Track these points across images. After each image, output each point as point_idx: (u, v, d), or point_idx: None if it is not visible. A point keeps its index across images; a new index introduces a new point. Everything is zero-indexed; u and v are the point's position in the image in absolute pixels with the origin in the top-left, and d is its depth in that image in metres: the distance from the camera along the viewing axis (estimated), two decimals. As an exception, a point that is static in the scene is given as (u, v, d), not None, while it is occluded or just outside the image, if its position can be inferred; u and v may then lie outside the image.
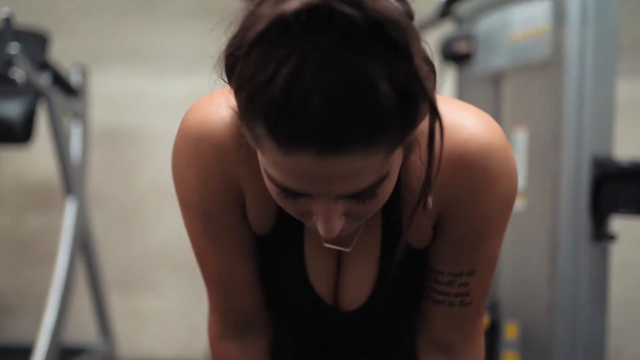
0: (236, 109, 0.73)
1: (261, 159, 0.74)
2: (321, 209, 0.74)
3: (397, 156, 0.74)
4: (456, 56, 2.01)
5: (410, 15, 0.71)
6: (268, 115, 0.66)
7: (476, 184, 0.84)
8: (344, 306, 0.96)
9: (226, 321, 0.98)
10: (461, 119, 0.84)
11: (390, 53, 0.66)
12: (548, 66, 1.68)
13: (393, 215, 0.89)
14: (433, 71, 0.74)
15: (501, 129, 0.86)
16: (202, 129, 0.86)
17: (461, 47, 1.98)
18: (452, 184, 0.84)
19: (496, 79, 1.93)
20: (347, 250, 0.91)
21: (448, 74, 2.15)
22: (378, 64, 0.65)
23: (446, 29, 2.16)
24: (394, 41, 0.66)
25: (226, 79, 0.74)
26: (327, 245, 0.90)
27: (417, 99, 0.69)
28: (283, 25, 0.66)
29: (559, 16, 1.64)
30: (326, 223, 0.74)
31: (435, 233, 0.91)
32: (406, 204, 0.87)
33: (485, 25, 1.94)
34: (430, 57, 0.73)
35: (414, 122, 0.70)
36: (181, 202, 0.92)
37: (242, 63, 0.68)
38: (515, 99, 1.84)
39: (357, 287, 0.94)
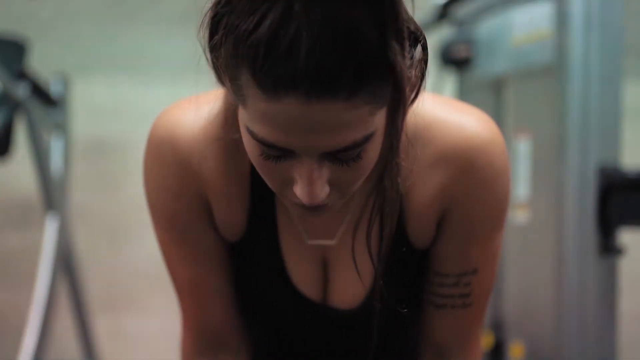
0: (220, 64, 0.74)
1: (243, 117, 0.75)
2: (304, 170, 0.74)
3: (381, 119, 0.75)
4: (456, 61, 2.01)
5: None
6: (254, 59, 0.68)
7: (480, 180, 0.89)
8: (337, 304, 0.96)
9: (200, 338, 0.99)
10: (461, 118, 0.89)
11: (378, 4, 0.68)
12: (551, 71, 1.68)
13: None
14: (417, 39, 0.77)
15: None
16: (164, 134, 0.90)
17: (461, 52, 1.99)
18: (455, 182, 0.89)
19: (497, 85, 1.93)
20: (331, 243, 0.93)
21: (447, 79, 2.15)
22: (366, 11, 0.67)
23: (445, 32, 2.16)
24: None
25: (208, 40, 0.75)
26: (310, 242, 0.92)
27: (402, 51, 0.71)
28: None
29: (561, 19, 1.65)
30: (309, 186, 0.75)
31: (439, 231, 0.94)
32: (405, 200, 0.90)
33: (486, 28, 1.94)
34: (415, 24, 0.76)
35: (398, 78, 0.71)
36: (149, 209, 0.95)
37: (227, 15, 0.71)
38: (518, 105, 1.84)
39: (351, 286, 0.95)
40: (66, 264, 2.41)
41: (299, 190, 0.76)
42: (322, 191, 0.76)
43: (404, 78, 0.72)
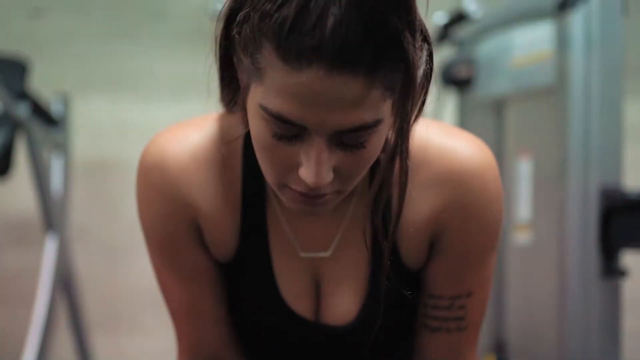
0: (240, 40, 0.78)
1: (256, 97, 0.78)
2: (313, 150, 0.77)
3: (388, 112, 0.78)
4: (456, 81, 2.02)
5: None
6: (280, 31, 0.73)
7: (474, 204, 0.91)
8: (329, 322, 0.96)
9: None
10: (455, 142, 0.92)
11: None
12: (552, 92, 1.69)
13: (383, 233, 0.91)
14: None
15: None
16: (153, 159, 0.92)
17: (461, 72, 1.99)
18: (449, 205, 0.91)
19: (498, 106, 1.93)
20: (325, 254, 0.93)
21: (448, 99, 2.16)
22: (392, 2, 0.73)
23: (445, 52, 2.17)
24: None
25: (227, 18, 0.80)
26: (303, 255, 0.93)
27: (414, 42, 0.76)
28: None
29: (562, 40, 1.65)
30: (317, 166, 0.77)
31: (433, 254, 0.95)
32: (400, 223, 0.90)
33: (486, 49, 1.95)
34: (426, 30, 0.82)
35: (410, 65, 0.76)
36: (142, 233, 0.97)
37: None
38: (519, 126, 1.84)
39: (343, 301, 0.95)
40: (65, 284, 2.40)
41: (305, 171, 0.77)
42: (328, 175, 0.78)
43: (414, 66, 0.76)
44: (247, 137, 0.93)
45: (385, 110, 0.77)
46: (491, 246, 0.95)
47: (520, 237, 1.76)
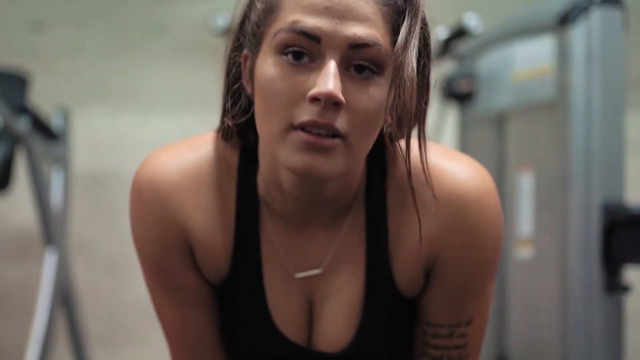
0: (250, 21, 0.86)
1: (267, 45, 0.83)
2: (326, 66, 0.79)
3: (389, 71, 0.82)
4: (457, 95, 2.02)
5: None
6: None
7: (472, 229, 0.89)
8: (321, 347, 0.95)
9: None
10: (453, 165, 0.91)
11: None
12: (553, 106, 1.68)
13: (377, 257, 0.91)
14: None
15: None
16: (145, 180, 0.92)
17: (462, 86, 2.00)
18: (446, 228, 0.89)
19: (499, 120, 1.93)
20: (318, 271, 0.92)
21: (449, 113, 2.16)
22: None
23: (446, 67, 2.17)
24: None
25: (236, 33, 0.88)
26: (298, 275, 0.92)
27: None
28: None
29: (563, 54, 1.65)
30: (330, 76, 0.79)
31: (430, 281, 0.93)
32: (393, 246, 0.91)
33: (487, 63, 1.95)
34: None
35: (415, 15, 0.83)
36: (136, 251, 0.97)
37: None
38: (520, 140, 1.84)
39: (337, 327, 0.94)
40: (65, 298, 2.40)
41: (320, 81, 0.79)
42: (339, 88, 0.79)
43: (418, 13, 0.83)
44: (242, 157, 0.93)
45: (388, 51, 0.81)
46: (490, 272, 0.93)
47: (522, 252, 1.76)
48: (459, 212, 0.88)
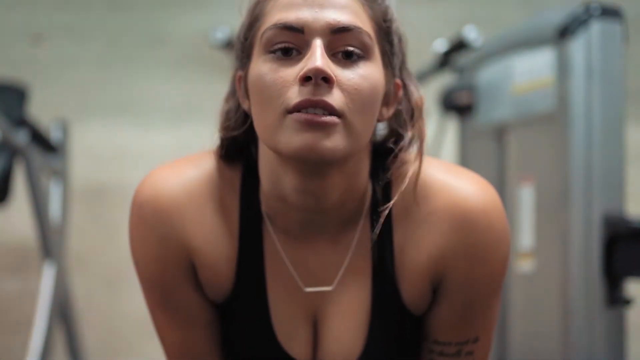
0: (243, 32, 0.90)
1: (258, 51, 0.86)
2: (313, 47, 0.82)
3: (379, 57, 0.87)
4: (457, 108, 2.01)
5: None
6: None
7: (479, 244, 0.88)
8: None
9: None
10: (459, 180, 0.90)
11: None
12: (553, 119, 1.68)
13: (383, 272, 0.90)
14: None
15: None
16: (146, 197, 0.91)
17: (462, 99, 1.99)
18: (452, 244, 0.88)
19: (499, 132, 1.93)
20: (329, 289, 0.91)
21: (449, 125, 2.15)
22: None
23: (446, 79, 2.17)
24: None
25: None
26: (308, 290, 0.91)
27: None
28: None
29: (563, 67, 1.65)
30: (317, 54, 0.81)
31: (437, 298, 0.92)
32: (399, 260, 0.90)
33: (487, 75, 1.95)
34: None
35: (388, 32, 0.89)
36: (136, 270, 0.95)
37: None
38: (520, 153, 1.84)
39: (342, 346, 0.93)
40: (63, 312, 2.39)
41: (308, 61, 0.81)
42: (327, 65, 0.81)
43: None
44: (244, 173, 0.92)
45: (373, 39, 0.86)
46: (497, 288, 0.92)
47: (523, 265, 1.75)
48: (465, 226, 0.88)
